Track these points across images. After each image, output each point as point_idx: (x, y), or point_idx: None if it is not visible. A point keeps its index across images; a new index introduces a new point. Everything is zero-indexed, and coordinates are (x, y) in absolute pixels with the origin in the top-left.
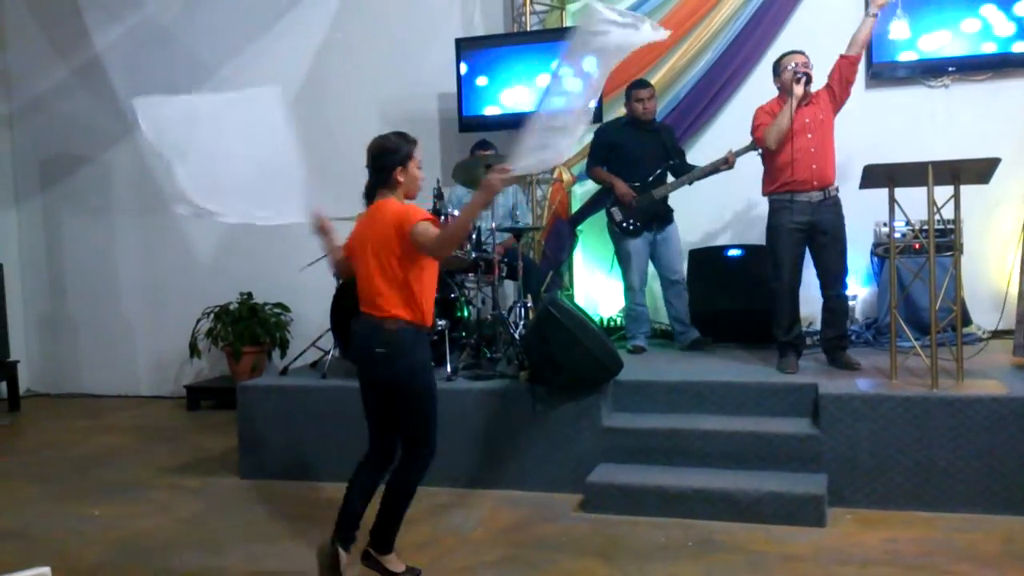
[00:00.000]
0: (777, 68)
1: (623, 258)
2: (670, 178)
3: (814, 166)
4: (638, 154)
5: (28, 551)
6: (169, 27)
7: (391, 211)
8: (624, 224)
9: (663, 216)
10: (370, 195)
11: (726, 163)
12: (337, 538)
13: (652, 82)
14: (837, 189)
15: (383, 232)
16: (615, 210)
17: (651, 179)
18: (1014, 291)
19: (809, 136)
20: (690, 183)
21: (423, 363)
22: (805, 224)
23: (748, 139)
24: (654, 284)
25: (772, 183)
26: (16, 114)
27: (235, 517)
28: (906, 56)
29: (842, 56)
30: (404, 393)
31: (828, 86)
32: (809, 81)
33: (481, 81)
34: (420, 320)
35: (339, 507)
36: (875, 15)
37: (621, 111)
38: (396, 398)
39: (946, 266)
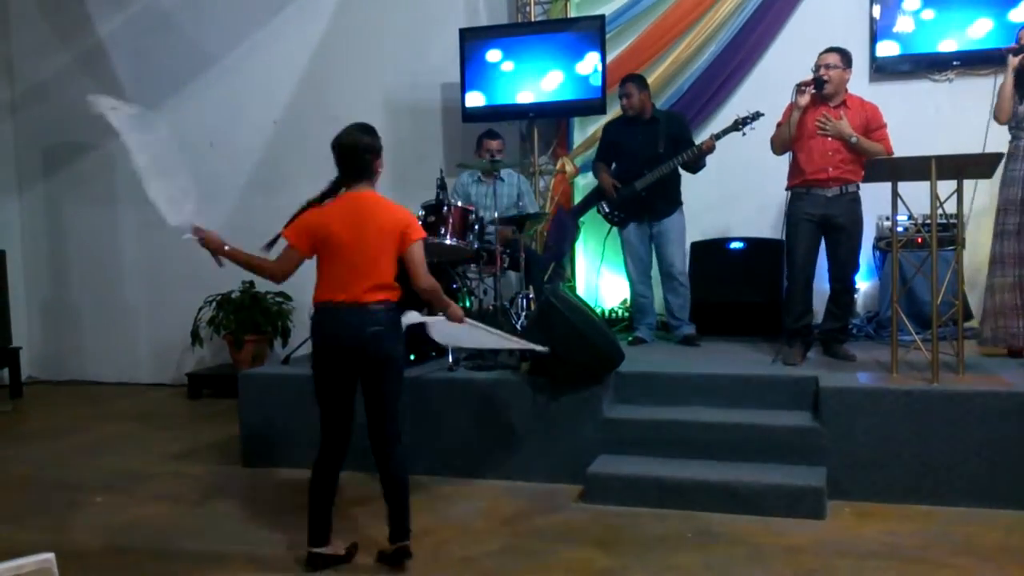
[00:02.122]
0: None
1: (623, 248)
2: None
3: (830, 168)
4: (629, 148)
5: (31, 538)
6: (172, 14)
7: (394, 210)
8: (608, 215)
9: (655, 208)
10: (336, 189)
11: (703, 148)
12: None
13: (657, 74)
14: (857, 186)
15: (388, 226)
16: (602, 203)
17: (638, 171)
18: None
19: (830, 139)
20: (681, 167)
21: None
22: (819, 216)
23: (730, 120)
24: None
25: (792, 178)
26: (19, 101)
27: (237, 504)
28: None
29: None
30: (395, 367)
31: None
32: (820, 85)
33: (507, 66)
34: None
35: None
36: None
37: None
38: (387, 373)
39: (948, 260)
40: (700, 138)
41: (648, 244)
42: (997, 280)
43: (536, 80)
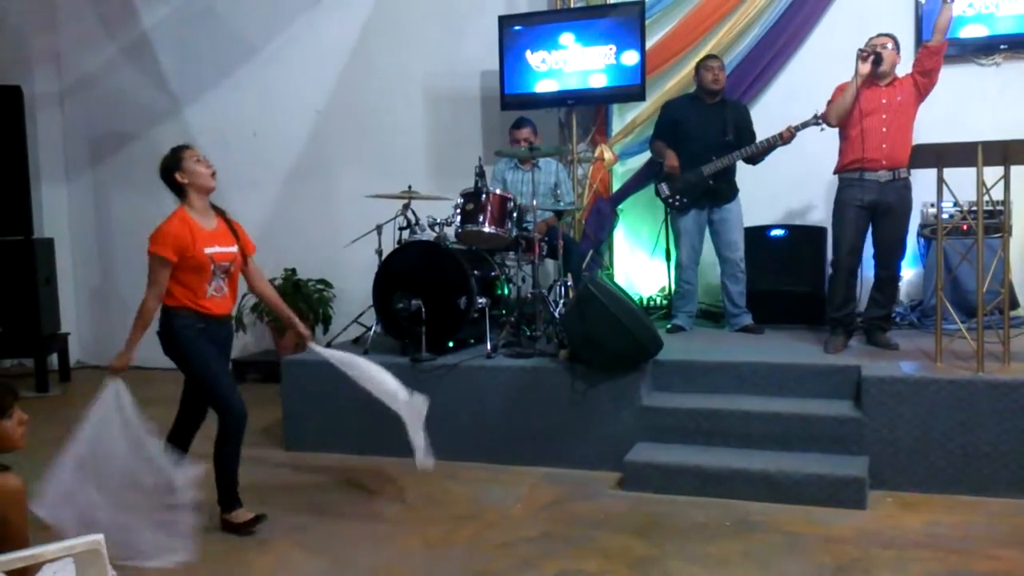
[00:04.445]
0: None
1: (675, 234)
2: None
3: (884, 146)
4: (696, 130)
5: None
6: (215, 4)
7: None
8: (670, 200)
9: (717, 193)
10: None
11: (782, 138)
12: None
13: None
14: (909, 172)
15: None
16: (662, 185)
17: (705, 155)
18: None
19: (884, 116)
20: (744, 160)
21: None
22: (870, 203)
23: (808, 114)
24: (707, 264)
25: (842, 160)
26: (66, 92)
27: (280, 487)
28: (968, 32)
29: (923, 45)
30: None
31: (913, 73)
32: (878, 61)
33: (546, 53)
34: (172, 304)
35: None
36: (949, 1)
37: (663, 89)
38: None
39: (994, 248)
40: None
41: (703, 231)
42: None
43: (575, 67)
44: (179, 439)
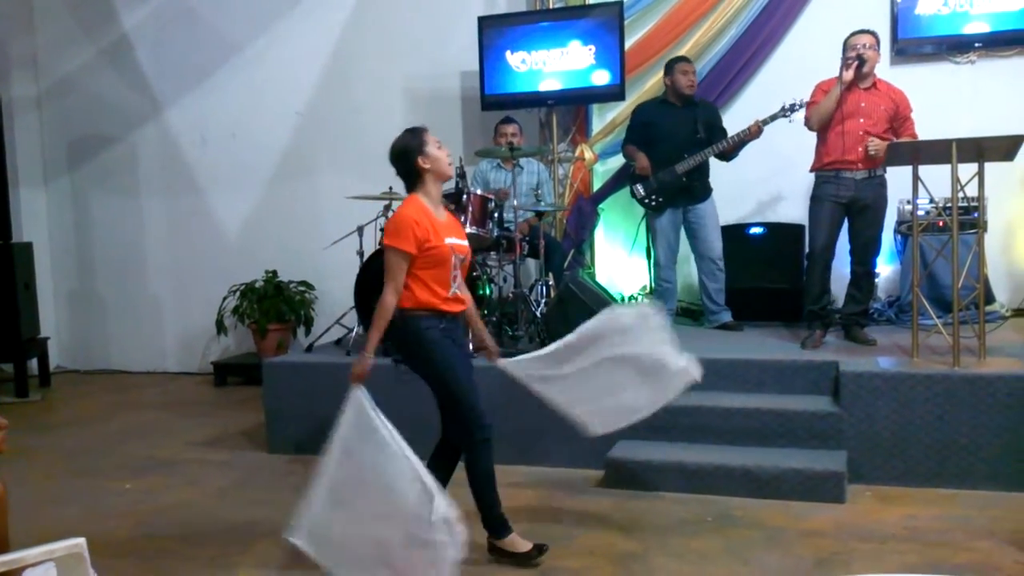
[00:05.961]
0: (844, 47)
1: (652, 233)
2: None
3: (860, 149)
4: (668, 131)
5: (61, 524)
6: (195, 6)
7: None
8: (645, 200)
9: (691, 192)
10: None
11: (751, 133)
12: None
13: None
14: (885, 170)
15: None
16: (637, 186)
17: (677, 155)
18: None
19: (861, 120)
20: (716, 156)
21: (425, 342)
22: (846, 200)
23: (775, 107)
24: (686, 262)
25: (819, 160)
26: (44, 95)
27: (262, 490)
28: (943, 30)
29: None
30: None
31: (897, 122)
32: (862, 64)
33: (525, 54)
34: (413, 305)
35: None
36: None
37: (642, 89)
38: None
39: (969, 244)
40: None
41: (679, 230)
42: None
43: (555, 67)
44: (441, 464)
